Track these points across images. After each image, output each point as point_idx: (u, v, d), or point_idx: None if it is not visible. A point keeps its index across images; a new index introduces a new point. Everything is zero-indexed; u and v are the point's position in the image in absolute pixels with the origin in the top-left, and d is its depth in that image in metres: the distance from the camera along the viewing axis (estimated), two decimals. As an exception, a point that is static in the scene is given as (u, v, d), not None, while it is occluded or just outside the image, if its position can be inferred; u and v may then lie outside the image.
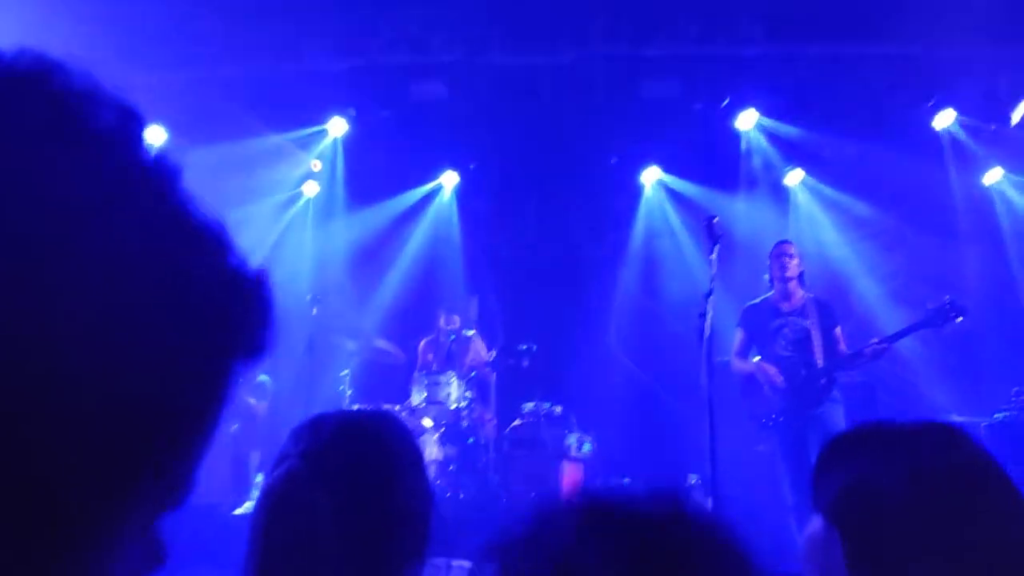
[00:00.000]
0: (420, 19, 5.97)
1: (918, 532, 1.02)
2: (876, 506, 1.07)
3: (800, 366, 5.39)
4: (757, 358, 5.61)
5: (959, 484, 1.06)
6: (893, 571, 1.03)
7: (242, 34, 6.26)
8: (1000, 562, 1.01)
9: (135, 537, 0.50)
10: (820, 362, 5.37)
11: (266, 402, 7.68)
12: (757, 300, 5.76)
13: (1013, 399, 6.03)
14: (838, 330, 5.53)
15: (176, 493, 0.52)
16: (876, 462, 1.11)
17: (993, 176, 7.55)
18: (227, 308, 0.51)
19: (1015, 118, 6.73)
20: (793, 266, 5.55)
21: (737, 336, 5.75)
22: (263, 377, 7.82)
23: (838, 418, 5.26)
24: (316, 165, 7.82)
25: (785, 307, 5.56)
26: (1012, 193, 7.58)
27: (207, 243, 0.50)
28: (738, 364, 5.70)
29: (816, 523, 1.14)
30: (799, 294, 5.59)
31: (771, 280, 5.66)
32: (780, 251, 5.64)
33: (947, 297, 5.21)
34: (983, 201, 7.67)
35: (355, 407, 6.53)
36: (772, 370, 5.39)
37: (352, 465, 1.23)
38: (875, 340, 5.26)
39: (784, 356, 5.43)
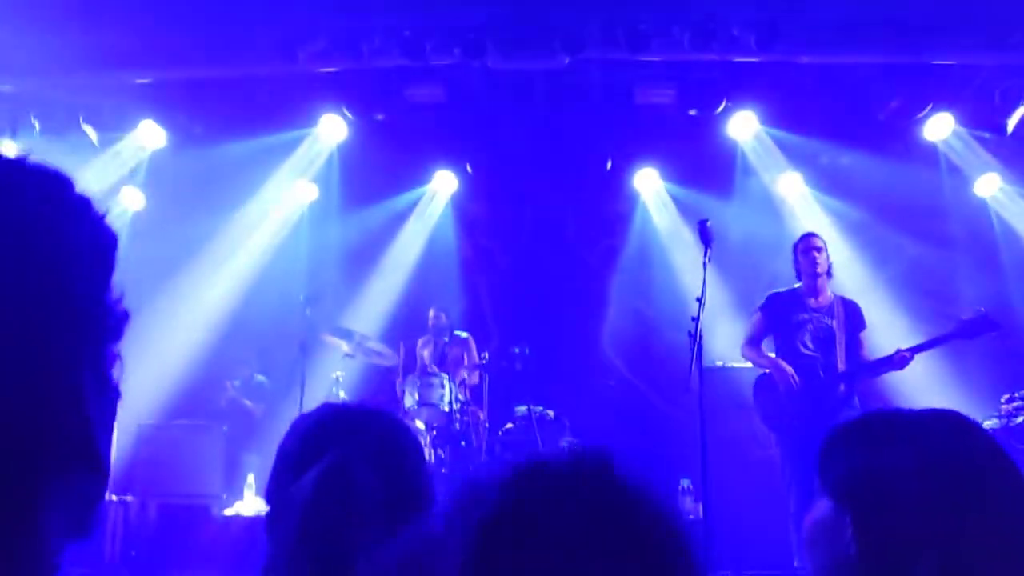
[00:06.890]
0: (414, 23, 5.97)
1: (930, 516, 1.02)
2: (888, 489, 1.06)
3: (820, 367, 5.12)
4: (772, 354, 5.35)
5: (970, 470, 1.06)
6: (905, 555, 1.03)
7: (237, 36, 6.27)
8: (1010, 548, 1.02)
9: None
10: (841, 365, 5.11)
11: (263, 404, 7.67)
12: (783, 289, 5.46)
13: (1003, 406, 5.94)
14: (863, 334, 5.29)
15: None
16: (888, 446, 1.11)
17: (987, 185, 7.48)
18: None
19: (1011, 126, 6.70)
20: (823, 260, 5.29)
21: (754, 319, 5.47)
22: (260, 378, 7.82)
23: None
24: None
25: (812, 303, 5.28)
26: (1006, 202, 7.55)
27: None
28: (749, 353, 5.40)
29: (823, 507, 1.14)
30: (828, 292, 5.34)
31: (798, 274, 5.37)
32: (808, 244, 5.36)
33: (982, 309, 4.98)
34: (977, 210, 7.64)
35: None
36: (789, 370, 5.10)
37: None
38: (902, 348, 5.01)
39: (805, 354, 5.17)
